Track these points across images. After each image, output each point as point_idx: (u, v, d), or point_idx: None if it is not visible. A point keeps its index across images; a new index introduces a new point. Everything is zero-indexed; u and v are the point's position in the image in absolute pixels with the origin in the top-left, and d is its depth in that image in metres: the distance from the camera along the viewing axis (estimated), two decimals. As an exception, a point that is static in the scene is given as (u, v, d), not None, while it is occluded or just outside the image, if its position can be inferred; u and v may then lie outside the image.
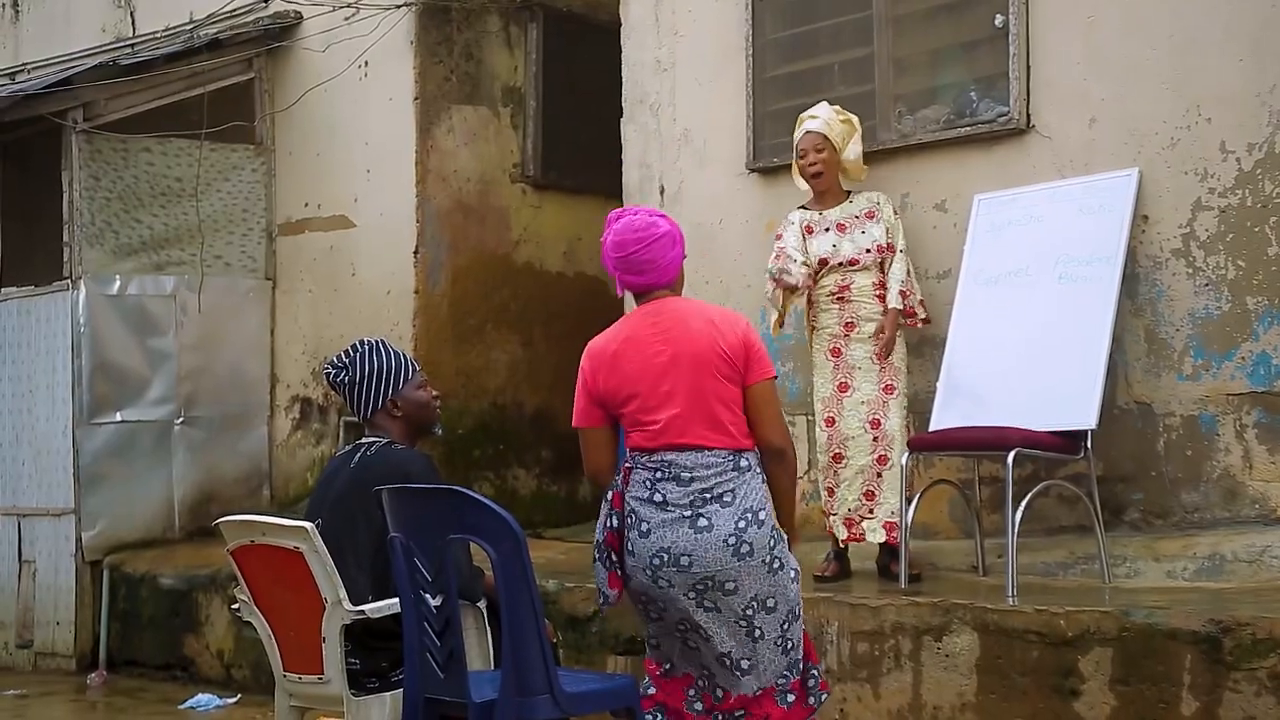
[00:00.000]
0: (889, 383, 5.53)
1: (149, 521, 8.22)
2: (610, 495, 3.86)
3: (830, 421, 5.58)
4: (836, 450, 5.56)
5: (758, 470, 3.80)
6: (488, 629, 4.05)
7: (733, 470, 3.75)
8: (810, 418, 5.92)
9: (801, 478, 6.44)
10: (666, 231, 3.88)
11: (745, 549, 3.71)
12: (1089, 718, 4.46)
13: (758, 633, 3.78)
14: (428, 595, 3.60)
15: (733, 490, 3.74)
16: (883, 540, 5.50)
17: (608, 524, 3.84)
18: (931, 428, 5.52)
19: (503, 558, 3.48)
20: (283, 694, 4.16)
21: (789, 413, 6.38)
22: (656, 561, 3.74)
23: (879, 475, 5.49)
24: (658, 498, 3.76)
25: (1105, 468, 5.44)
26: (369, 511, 3.94)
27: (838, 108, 5.74)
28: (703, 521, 3.71)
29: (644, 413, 3.79)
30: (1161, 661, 4.34)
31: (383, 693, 3.92)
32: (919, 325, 5.69)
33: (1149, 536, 5.40)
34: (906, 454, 5.41)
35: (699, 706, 3.89)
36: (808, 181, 5.69)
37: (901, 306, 5.55)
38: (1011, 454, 5.04)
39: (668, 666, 3.92)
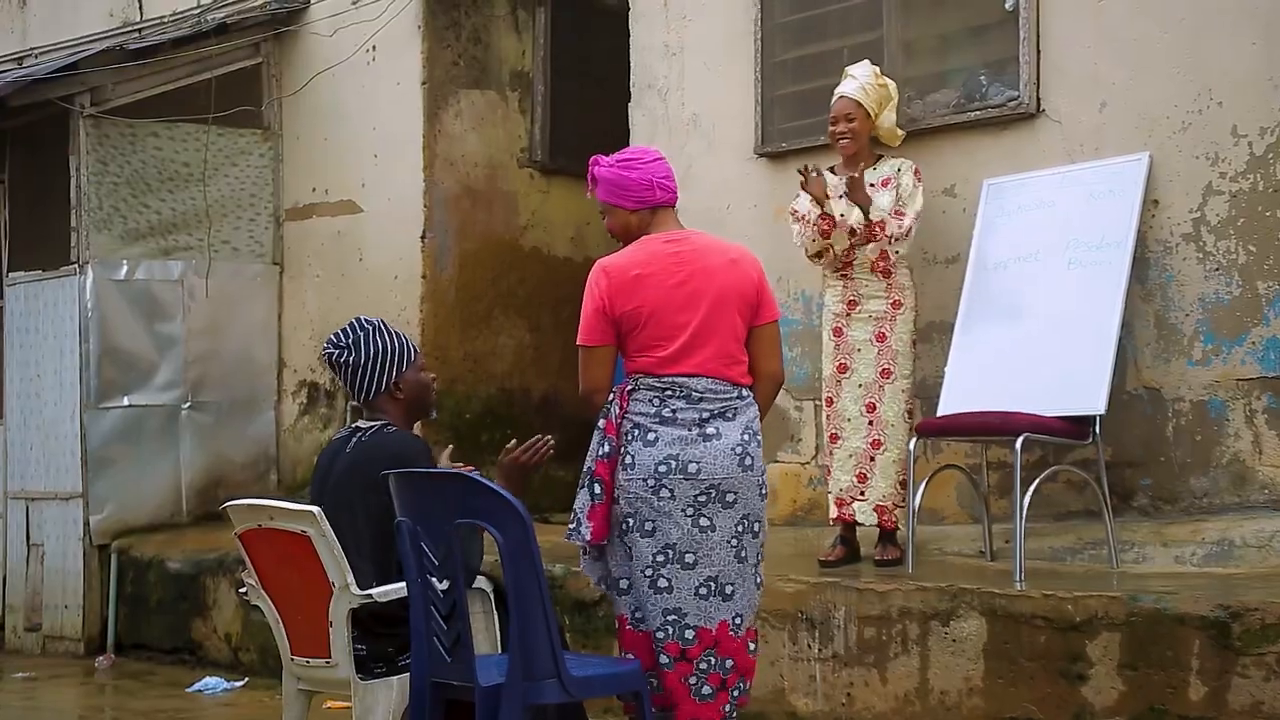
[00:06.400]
0: (886, 366, 5.51)
1: (157, 505, 8.24)
2: (603, 423, 3.91)
3: (829, 402, 5.58)
4: (833, 430, 5.56)
5: (755, 402, 3.97)
6: (494, 613, 4.05)
7: (738, 398, 3.91)
8: (817, 402, 5.91)
9: (809, 463, 6.44)
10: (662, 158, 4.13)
11: (749, 460, 3.86)
12: (1096, 703, 4.46)
13: (744, 553, 3.87)
14: (434, 579, 3.60)
15: (736, 410, 3.89)
16: (874, 523, 5.50)
17: (599, 452, 3.90)
18: (939, 413, 5.50)
19: (510, 543, 3.48)
20: (290, 678, 4.17)
21: (797, 398, 6.40)
22: (663, 469, 3.82)
23: (872, 459, 5.49)
24: (667, 412, 3.86)
25: (1114, 453, 5.43)
26: (367, 497, 3.93)
27: (877, 69, 5.67)
28: (711, 430, 3.85)
29: (657, 339, 3.89)
30: (1169, 647, 4.34)
31: (389, 677, 3.92)
32: (885, 242, 5.44)
33: (1158, 522, 5.38)
34: (914, 439, 5.40)
35: (664, 659, 3.85)
36: (834, 147, 5.66)
37: (876, 219, 5.41)
38: (1020, 439, 5.03)
39: (639, 615, 3.91)
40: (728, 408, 3.87)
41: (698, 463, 3.81)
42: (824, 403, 5.61)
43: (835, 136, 5.60)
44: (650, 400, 3.87)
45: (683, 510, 3.81)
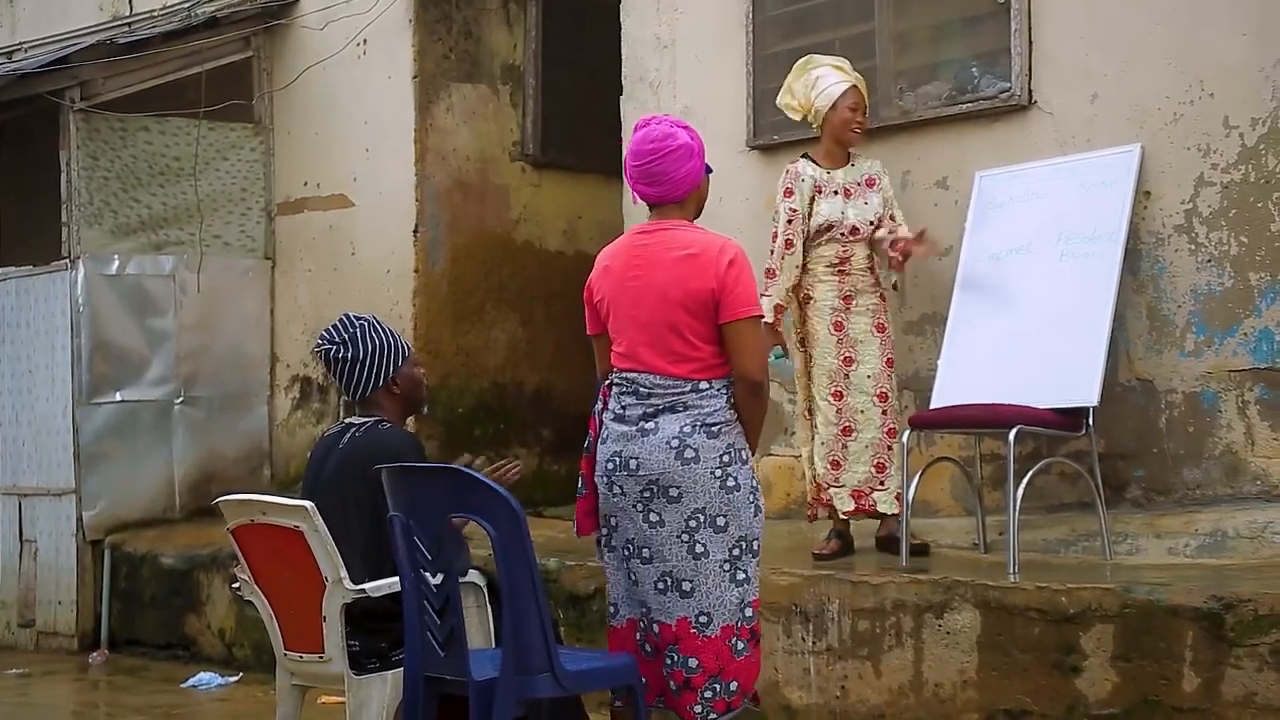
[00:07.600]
0: (889, 356, 5.54)
1: (150, 501, 8.23)
2: (590, 419, 3.94)
3: (838, 395, 5.55)
4: (846, 424, 5.54)
5: (722, 394, 3.82)
6: (488, 607, 4.05)
7: (691, 392, 3.80)
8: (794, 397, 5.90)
9: (801, 455, 6.42)
10: (683, 144, 3.84)
11: (690, 453, 3.75)
12: (1090, 695, 4.46)
13: (700, 548, 3.76)
14: (427, 574, 3.60)
15: (686, 404, 3.79)
16: (895, 511, 5.48)
17: (584, 448, 3.94)
18: (933, 405, 5.50)
19: (503, 537, 3.48)
20: (284, 673, 4.17)
21: (790, 390, 6.37)
22: (610, 466, 3.83)
23: (889, 448, 5.49)
24: (618, 409, 3.85)
25: (1107, 445, 5.43)
26: (360, 493, 3.93)
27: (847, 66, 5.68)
28: (649, 425, 3.79)
29: (615, 333, 3.89)
30: (1163, 638, 4.34)
31: (383, 671, 3.92)
32: (895, 276, 5.62)
33: (1151, 513, 5.39)
34: (908, 431, 5.39)
35: (648, 648, 3.84)
36: (843, 139, 5.56)
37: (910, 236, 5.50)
38: (1013, 431, 5.03)
39: (612, 609, 3.92)
40: (676, 401, 3.78)
41: (637, 458, 3.78)
42: (831, 397, 5.52)
43: (856, 126, 5.55)
44: (614, 396, 3.88)
45: (634, 506, 3.81)
